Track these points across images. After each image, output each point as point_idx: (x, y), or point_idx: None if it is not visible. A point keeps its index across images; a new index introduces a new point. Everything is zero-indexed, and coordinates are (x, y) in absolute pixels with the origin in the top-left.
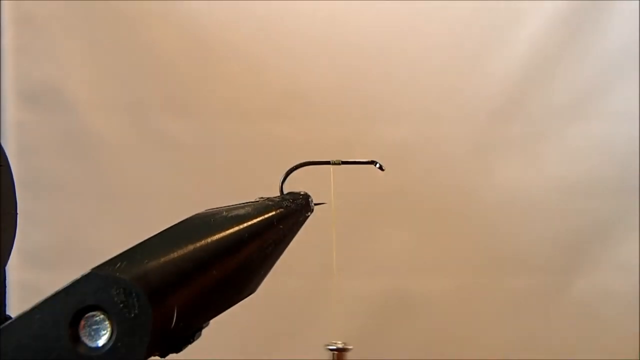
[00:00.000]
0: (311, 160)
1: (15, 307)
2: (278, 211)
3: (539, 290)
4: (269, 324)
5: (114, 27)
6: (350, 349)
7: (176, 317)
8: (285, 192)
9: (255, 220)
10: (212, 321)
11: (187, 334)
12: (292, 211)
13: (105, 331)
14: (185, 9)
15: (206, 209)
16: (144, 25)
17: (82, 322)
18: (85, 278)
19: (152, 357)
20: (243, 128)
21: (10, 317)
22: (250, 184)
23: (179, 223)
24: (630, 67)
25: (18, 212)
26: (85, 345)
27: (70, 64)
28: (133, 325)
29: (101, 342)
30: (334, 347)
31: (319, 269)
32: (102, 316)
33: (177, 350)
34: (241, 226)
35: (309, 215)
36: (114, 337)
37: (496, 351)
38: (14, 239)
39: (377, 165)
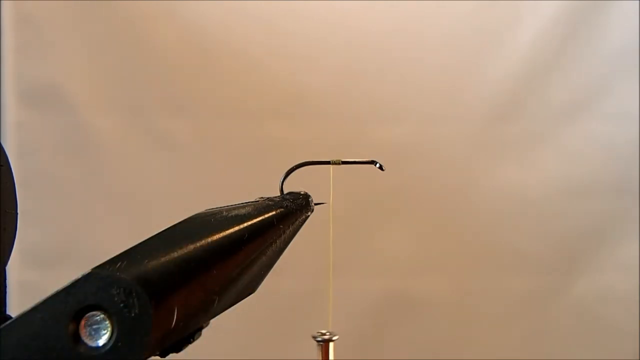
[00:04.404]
0: (311, 160)
1: (15, 307)
2: (278, 211)
3: (539, 291)
4: (268, 324)
5: (114, 27)
6: (336, 338)
7: (176, 317)
8: (285, 192)
9: (255, 220)
10: (212, 321)
11: (187, 334)
12: (292, 211)
13: (105, 331)
14: (185, 9)
15: (206, 209)
16: (144, 26)
17: (83, 322)
18: (85, 278)
19: (152, 357)
20: (243, 128)
21: (10, 317)
22: (250, 184)
23: (179, 223)
24: (630, 67)
25: (18, 212)
26: (86, 344)
27: (70, 64)
28: (133, 325)
29: (101, 341)
30: (320, 339)
31: (319, 269)
32: (102, 316)
33: (177, 350)
34: (241, 226)
35: (309, 215)
36: (114, 337)
37: (496, 351)
38: (14, 238)
39: (377, 165)
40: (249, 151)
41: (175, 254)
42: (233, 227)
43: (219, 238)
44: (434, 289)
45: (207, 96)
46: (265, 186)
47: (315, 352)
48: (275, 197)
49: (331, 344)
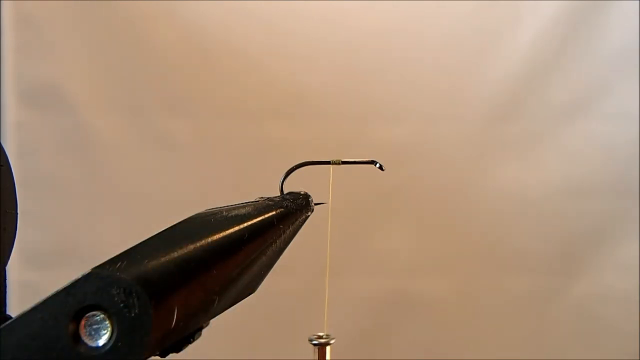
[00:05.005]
0: (311, 160)
1: (15, 307)
2: (278, 211)
3: (539, 291)
4: (268, 324)
5: (114, 27)
6: (333, 342)
7: (176, 317)
8: (285, 192)
9: (255, 220)
10: (212, 321)
11: (187, 334)
12: (292, 211)
13: (105, 331)
14: (185, 9)
15: (206, 209)
16: (144, 26)
17: (83, 322)
18: (85, 278)
19: (152, 357)
20: (243, 128)
21: (10, 317)
22: (250, 184)
23: (179, 223)
24: (630, 67)
25: (18, 212)
26: (86, 344)
27: (70, 64)
28: (133, 325)
29: (101, 341)
30: (317, 342)
31: (319, 269)
32: (102, 316)
33: (177, 350)
34: (241, 226)
35: (309, 215)
36: (114, 337)
37: (496, 351)
38: (14, 239)
39: (377, 165)
40: (249, 151)
41: (175, 254)
42: (233, 227)
43: (219, 238)
44: (434, 289)
45: (207, 96)
46: (265, 186)
47: (311, 354)
48: (275, 197)
49: (328, 348)
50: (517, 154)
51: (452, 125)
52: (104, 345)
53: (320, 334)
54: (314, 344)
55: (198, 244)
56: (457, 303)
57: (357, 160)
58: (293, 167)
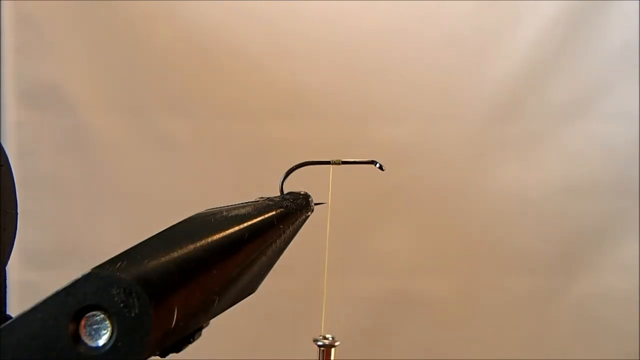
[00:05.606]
0: (311, 160)
1: (15, 307)
2: (278, 211)
3: (539, 291)
4: (268, 324)
5: (114, 27)
6: (338, 344)
7: (176, 317)
8: (285, 192)
9: (255, 220)
10: (212, 321)
11: (187, 334)
12: (293, 211)
13: (105, 331)
14: (185, 9)
15: (206, 209)
16: (144, 25)
17: (83, 322)
18: (85, 278)
19: (152, 357)
20: (243, 128)
21: (10, 317)
22: (250, 184)
23: (179, 223)
24: (630, 67)
25: (18, 212)
26: (86, 344)
27: (70, 64)
28: (133, 325)
29: (101, 341)
30: (322, 344)
31: (319, 269)
32: (102, 316)
33: (177, 350)
34: (241, 226)
35: (309, 215)
36: (114, 337)
37: (496, 351)
38: (14, 239)
39: (377, 165)
40: (249, 151)
41: (175, 254)
42: (233, 227)
43: (219, 238)
44: (434, 289)
45: (207, 96)
46: (265, 186)
47: (315, 354)
48: (275, 197)
49: (333, 350)
50: (517, 154)
51: (452, 125)
52: (104, 345)
53: (327, 335)
54: (319, 345)
55: (198, 244)
56: (457, 303)
57: (357, 160)
58: (293, 167)
